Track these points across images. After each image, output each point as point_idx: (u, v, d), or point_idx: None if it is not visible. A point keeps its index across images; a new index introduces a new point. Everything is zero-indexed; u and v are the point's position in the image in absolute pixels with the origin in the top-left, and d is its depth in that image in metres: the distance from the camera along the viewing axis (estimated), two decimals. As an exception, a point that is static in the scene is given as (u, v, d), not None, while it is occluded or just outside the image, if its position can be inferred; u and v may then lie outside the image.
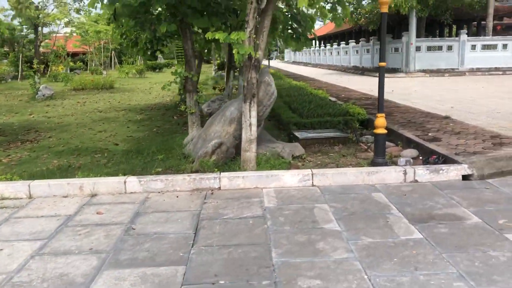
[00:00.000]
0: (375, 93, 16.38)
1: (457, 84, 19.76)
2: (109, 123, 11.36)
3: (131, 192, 5.36)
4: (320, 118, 9.37)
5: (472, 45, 26.57)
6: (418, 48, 26.51)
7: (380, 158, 6.09)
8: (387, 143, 7.76)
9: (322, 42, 57.72)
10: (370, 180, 5.52)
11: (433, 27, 29.99)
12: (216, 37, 5.54)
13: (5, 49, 34.79)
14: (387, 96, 15.49)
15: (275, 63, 73.95)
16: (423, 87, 18.58)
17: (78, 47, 39.29)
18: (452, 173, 5.57)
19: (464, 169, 5.58)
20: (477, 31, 33.06)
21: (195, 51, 8.00)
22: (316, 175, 5.49)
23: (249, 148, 5.85)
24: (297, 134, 8.39)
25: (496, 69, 26.36)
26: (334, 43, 45.75)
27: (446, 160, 6.03)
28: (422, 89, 17.42)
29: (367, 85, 19.85)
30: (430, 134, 7.52)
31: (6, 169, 6.79)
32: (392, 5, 23.86)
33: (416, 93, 16.04)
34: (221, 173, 5.51)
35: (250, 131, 5.83)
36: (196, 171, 5.79)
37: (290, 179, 5.45)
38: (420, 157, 6.82)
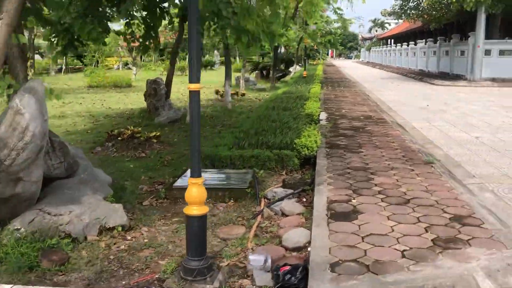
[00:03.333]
0: (402, 107, 12.95)
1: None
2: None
3: None
4: (249, 151, 6.62)
5: (561, 49, 21.46)
6: (487, 52, 21.97)
7: (193, 260, 3.31)
8: (296, 205, 4.90)
9: (395, 41, 52.68)
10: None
11: (516, 27, 25.02)
12: None
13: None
14: (411, 112, 12.07)
15: (348, 63, 69.80)
16: (476, 102, 14.67)
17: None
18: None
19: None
20: None
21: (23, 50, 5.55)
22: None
23: None
24: (183, 177, 5.74)
25: None
26: (404, 43, 41.11)
27: (307, 277, 3.11)
28: (469, 106, 13.62)
29: (403, 97, 16.29)
30: (354, 200, 4.50)
31: None
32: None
33: (455, 110, 12.40)
34: None
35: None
36: None
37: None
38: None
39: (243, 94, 15.96)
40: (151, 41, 9.21)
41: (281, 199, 5.11)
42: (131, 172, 6.59)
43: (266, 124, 8.45)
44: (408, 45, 38.76)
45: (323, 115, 10.45)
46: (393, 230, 3.72)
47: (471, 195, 4.71)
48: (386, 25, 72.40)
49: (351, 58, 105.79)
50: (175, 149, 8.07)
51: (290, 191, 5.36)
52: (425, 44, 32.23)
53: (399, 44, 44.47)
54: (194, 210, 3.29)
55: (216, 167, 6.36)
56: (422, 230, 3.72)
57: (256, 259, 3.58)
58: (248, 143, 6.93)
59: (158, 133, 8.38)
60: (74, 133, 9.70)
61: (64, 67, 30.96)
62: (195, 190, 3.27)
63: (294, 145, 6.69)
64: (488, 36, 22.60)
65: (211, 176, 5.77)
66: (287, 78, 27.11)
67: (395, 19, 31.76)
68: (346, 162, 6.00)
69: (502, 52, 22.01)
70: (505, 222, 4.06)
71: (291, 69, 32.61)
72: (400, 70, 36.48)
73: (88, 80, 21.47)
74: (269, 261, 3.55)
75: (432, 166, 5.78)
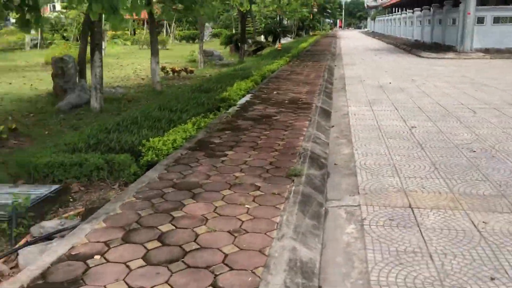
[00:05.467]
0: (359, 85, 11.10)
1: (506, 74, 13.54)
2: None
3: None
4: (77, 156, 5.04)
5: (561, 16, 19.15)
6: (480, 20, 19.73)
7: None
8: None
9: (399, 9, 49.70)
10: None
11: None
12: None
13: None
14: (362, 93, 10.22)
15: (353, 33, 66.91)
16: (448, 78, 12.79)
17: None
18: None
19: None
20: None
21: None
22: None
23: None
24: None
25: None
26: (404, 12, 38.45)
27: None
28: (437, 83, 11.79)
29: (371, 73, 14.45)
30: (104, 255, 2.92)
31: None
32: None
33: (416, 89, 10.59)
34: None
35: None
36: None
37: None
38: None
39: (191, 71, 14.21)
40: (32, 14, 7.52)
41: (47, 237, 3.55)
42: None
43: (153, 113, 6.87)
44: (407, 14, 36.20)
45: (245, 99, 8.76)
46: None
47: (300, 242, 3.08)
48: (392, -8, 68.78)
49: (360, 28, 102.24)
50: (30, 148, 6.51)
51: (76, 222, 3.79)
52: (421, 12, 29.80)
53: (399, 13, 41.79)
54: None
55: (35, 179, 4.81)
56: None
57: None
58: (87, 144, 5.34)
59: (14, 126, 6.82)
60: None
61: (40, 41, 29.20)
62: None
63: (141, 147, 5.11)
64: (482, 2, 20.31)
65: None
66: (267, 51, 25.23)
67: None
68: (183, 175, 4.38)
69: (497, 20, 19.73)
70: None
71: (283, 41, 30.65)
72: (398, 40, 34.11)
73: (46, 56, 19.85)
74: None
75: (292, 181, 4.13)
